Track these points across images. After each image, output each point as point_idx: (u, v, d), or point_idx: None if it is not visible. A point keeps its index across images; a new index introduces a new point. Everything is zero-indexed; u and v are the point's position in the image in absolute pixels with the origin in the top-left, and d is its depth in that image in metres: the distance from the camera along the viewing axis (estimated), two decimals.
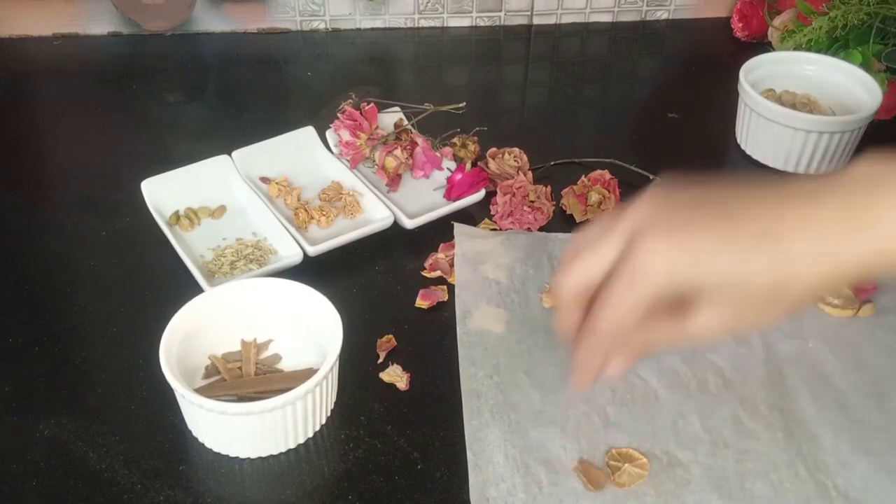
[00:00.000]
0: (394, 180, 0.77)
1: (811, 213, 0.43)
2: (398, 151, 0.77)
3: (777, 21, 0.99)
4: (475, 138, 0.81)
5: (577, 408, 0.59)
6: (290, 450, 0.57)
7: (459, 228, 0.73)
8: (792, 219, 0.43)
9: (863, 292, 0.68)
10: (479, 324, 0.65)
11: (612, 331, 0.46)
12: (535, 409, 0.59)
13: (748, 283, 0.44)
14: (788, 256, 0.43)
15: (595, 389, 0.60)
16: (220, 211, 0.75)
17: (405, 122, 0.82)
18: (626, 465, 0.55)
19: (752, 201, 0.45)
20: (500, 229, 0.75)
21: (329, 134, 0.81)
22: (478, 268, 0.70)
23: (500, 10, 1.07)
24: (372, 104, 0.79)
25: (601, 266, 0.46)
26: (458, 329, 0.64)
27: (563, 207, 0.77)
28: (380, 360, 0.63)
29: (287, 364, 0.62)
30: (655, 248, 0.44)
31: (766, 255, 0.43)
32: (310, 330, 0.60)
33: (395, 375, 0.61)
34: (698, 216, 0.44)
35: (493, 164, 0.80)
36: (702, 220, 0.44)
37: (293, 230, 0.71)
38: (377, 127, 0.79)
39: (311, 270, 0.68)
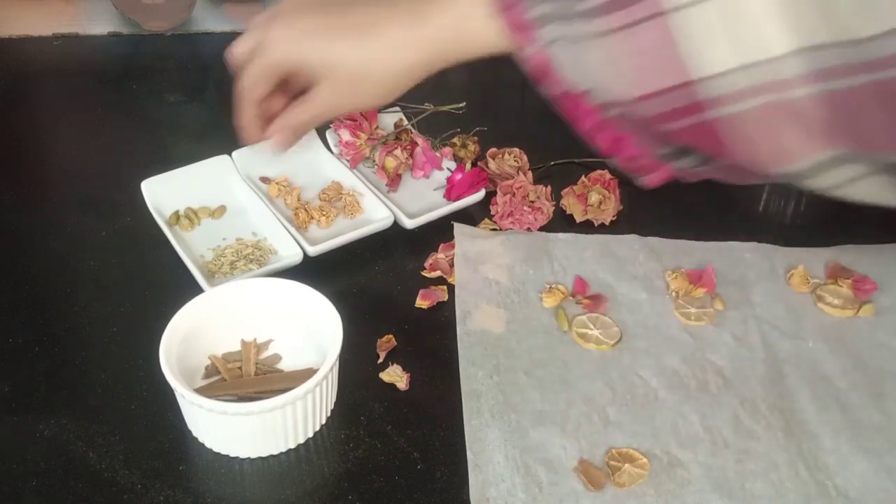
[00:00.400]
0: (394, 180, 0.77)
1: (389, 13, 0.58)
2: (398, 151, 0.77)
3: None
4: (475, 138, 0.81)
5: (577, 408, 0.59)
6: (290, 450, 0.57)
7: (459, 228, 0.73)
8: (372, 19, 0.59)
9: (863, 292, 0.68)
10: (479, 324, 0.65)
11: (248, 91, 0.63)
12: (535, 409, 0.59)
13: (335, 64, 0.59)
14: (367, 46, 0.58)
15: (595, 390, 0.61)
16: (220, 211, 0.75)
17: (405, 122, 0.82)
18: (627, 465, 0.55)
19: (356, 6, 0.60)
20: (500, 229, 0.75)
21: (329, 134, 0.81)
22: (478, 268, 0.70)
23: None
24: None
25: (247, 46, 0.63)
26: (458, 329, 0.64)
27: (563, 207, 0.77)
28: (380, 360, 0.63)
29: (287, 364, 0.62)
30: (276, 32, 0.60)
31: (349, 44, 0.59)
32: (310, 330, 0.60)
33: (395, 375, 0.61)
34: (314, 12, 0.60)
35: (493, 164, 0.80)
36: (315, 15, 0.60)
37: (293, 230, 0.71)
38: (377, 127, 0.79)
39: (311, 270, 0.68)
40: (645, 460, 0.56)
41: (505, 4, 0.56)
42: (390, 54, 0.59)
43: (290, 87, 0.65)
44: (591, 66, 0.53)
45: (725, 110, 0.49)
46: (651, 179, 0.63)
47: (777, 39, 0.45)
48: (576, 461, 0.56)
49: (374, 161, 0.78)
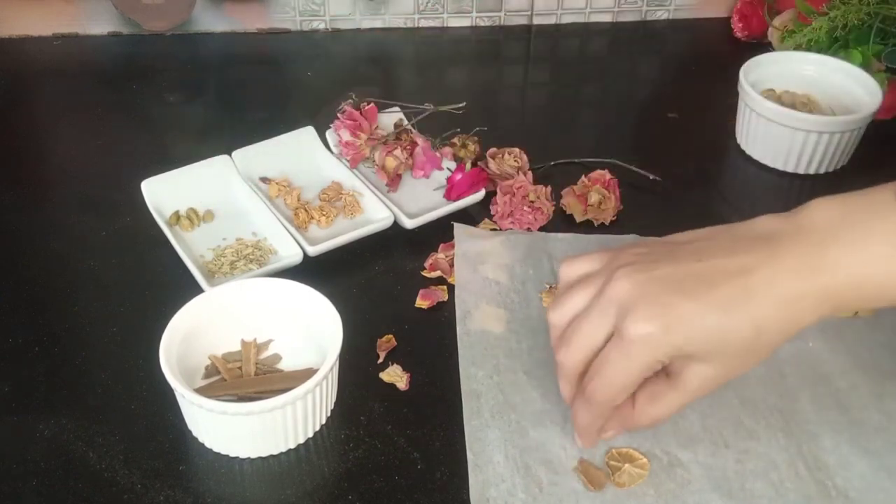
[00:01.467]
0: (394, 180, 0.77)
1: (774, 266, 0.48)
2: (398, 151, 0.77)
3: (777, 21, 0.99)
4: (475, 138, 0.81)
5: None
6: (290, 450, 0.57)
7: (459, 228, 0.73)
8: (758, 274, 0.47)
9: None
10: (479, 324, 0.65)
11: (608, 402, 0.50)
12: (535, 409, 0.59)
13: (730, 340, 0.48)
14: (760, 310, 0.47)
15: None
16: (220, 211, 0.75)
17: (405, 122, 0.82)
18: (627, 465, 0.55)
19: (719, 261, 0.49)
20: (500, 229, 0.75)
21: (329, 134, 0.81)
22: (478, 268, 0.70)
23: (500, 10, 1.07)
24: (372, 104, 0.79)
25: (596, 341, 0.50)
26: (458, 329, 0.64)
27: (563, 207, 0.77)
28: (380, 360, 0.63)
29: (287, 364, 0.62)
30: (640, 326, 0.47)
31: (741, 313, 0.47)
32: (310, 330, 0.60)
33: (395, 375, 0.61)
34: (674, 286, 0.48)
35: (493, 164, 0.79)
36: (679, 291, 0.48)
37: (293, 230, 0.71)
38: (377, 127, 0.79)
39: (311, 270, 0.68)
40: (645, 460, 0.56)
41: None
42: (784, 314, 0.47)
43: None
44: None
45: None
46: None
47: None
48: (576, 461, 0.56)
49: (373, 161, 0.78)
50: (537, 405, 0.59)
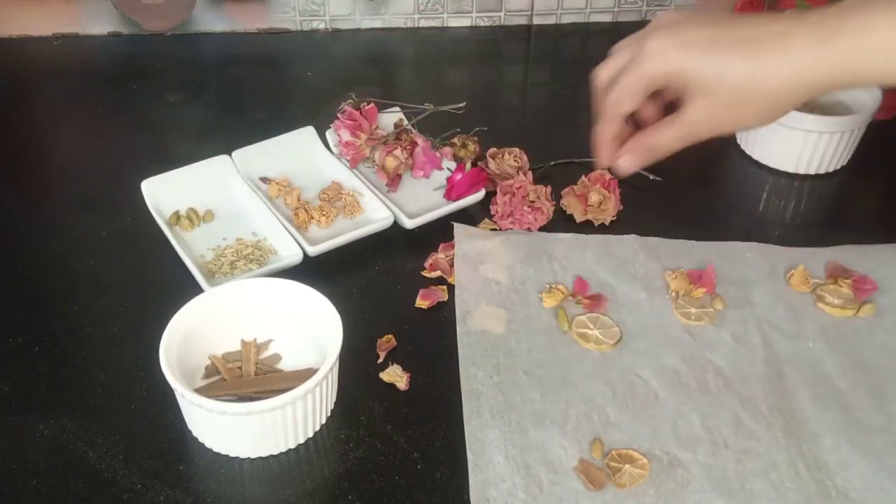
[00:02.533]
0: (394, 180, 0.77)
1: (790, 27, 0.53)
2: (398, 151, 0.77)
3: None
4: (475, 138, 0.81)
5: (578, 407, 0.59)
6: (290, 450, 0.57)
7: (459, 228, 0.73)
8: (772, 31, 0.53)
9: (863, 292, 0.68)
10: (479, 324, 0.65)
11: (615, 105, 0.57)
12: (535, 409, 0.59)
13: (724, 77, 0.53)
14: (761, 59, 0.52)
15: (595, 390, 0.61)
16: (220, 211, 0.75)
17: (405, 122, 0.82)
18: (627, 465, 0.55)
19: (744, 20, 0.56)
20: (500, 229, 0.75)
21: (329, 134, 0.81)
22: (478, 268, 0.70)
23: (500, 10, 1.07)
24: (372, 104, 0.79)
25: (623, 61, 0.57)
26: (458, 329, 0.64)
27: (563, 207, 0.77)
28: (380, 360, 0.63)
29: (287, 364, 0.62)
30: (655, 42, 0.54)
31: (743, 56, 0.52)
32: (310, 330, 0.60)
33: (395, 375, 0.61)
34: (696, 24, 0.55)
35: (493, 164, 0.79)
36: (698, 26, 0.54)
37: (293, 230, 0.71)
38: (377, 127, 0.79)
39: (311, 270, 0.68)
40: (645, 461, 0.56)
41: None
42: (789, 70, 0.52)
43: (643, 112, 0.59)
44: None
45: None
46: None
47: None
48: (576, 461, 0.56)
49: (373, 161, 0.78)
50: (537, 405, 0.59)
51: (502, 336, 0.64)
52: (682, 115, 0.56)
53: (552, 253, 0.72)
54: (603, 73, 0.58)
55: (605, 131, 0.59)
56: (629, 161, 0.59)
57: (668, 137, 0.57)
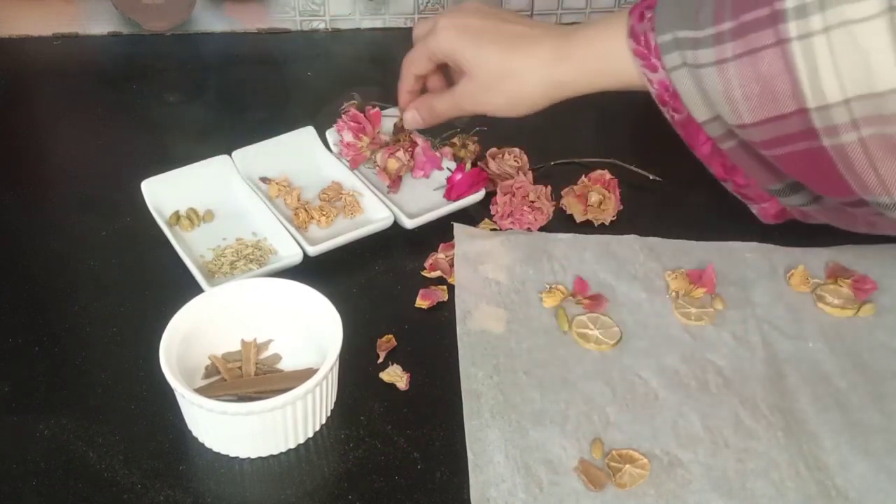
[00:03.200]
0: (395, 182, 0.77)
1: (544, 32, 0.66)
2: (401, 153, 0.77)
3: None
4: (475, 138, 0.81)
5: (578, 407, 0.59)
6: (290, 450, 0.57)
7: (459, 228, 0.73)
8: (530, 33, 0.66)
9: (863, 292, 0.68)
10: (479, 324, 0.65)
11: (408, 64, 0.71)
12: (535, 409, 0.59)
13: (479, 63, 0.66)
14: (512, 54, 0.65)
15: (595, 390, 0.60)
16: (220, 211, 0.75)
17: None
18: (627, 465, 0.55)
19: (520, 20, 0.67)
20: (500, 229, 0.75)
21: (329, 134, 0.81)
22: (478, 268, 0.70)
23: None
24: (377, 108, 0.78)
25: (425, 28, 0.70)
26: (458, 329, 0.64)
27: (563, 207, 0.77)
28: (380, 360, 0.63)
29: (287, 364, 0.62)
30: (443, 21, 0.66)
31: (497, 48, 0.65)
32: (310, 330, 0.60)
33: (395, 375, 0.61)
34: (479, 15, 0.67)
35: (493, 164, 0.79)
36: (478, 17, 0.66)
37: (293, 230, 0.71)
38: (380, 131, 0.79)
39: (311, 270, 0.68)
40: (645, 461, 0.56)
41: (634, 33, 0.61)
42: (530, 66, 0.64)
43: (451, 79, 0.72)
44: (710, 92, 0.57)
45: (836, 139, 0.53)
46: (764, 212, 0.68)
47: (888, 76, 0.49)
48: (576, 461, 0.56)
49: (375, 163, 0.78)
50: (537, 405, 0.59)
51: (502, 336, 0.64)
52: (454, 89, 0.69)
53: (552, 253, 0.72)
54: (416, 30, 0.71)
55: (401, 85, 0.72)
56: (413, 115, 0.73)
57: (443, 104, 0.70)
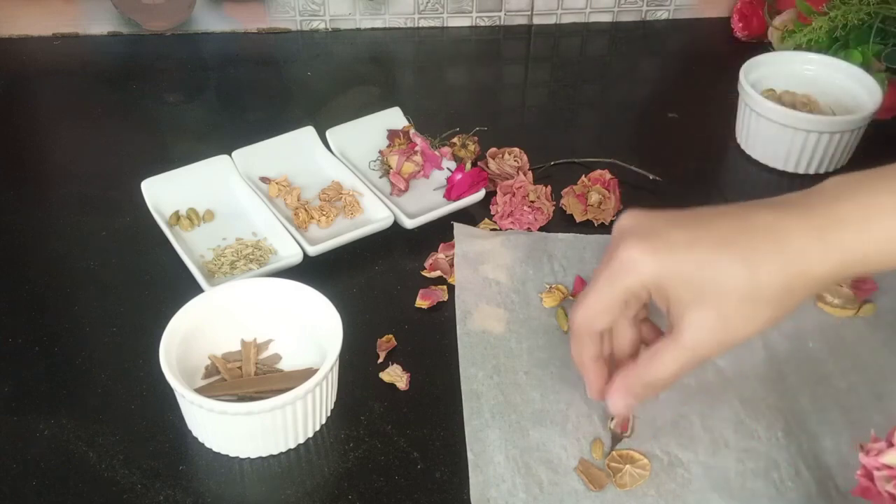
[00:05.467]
0: (406, 184, 0.77)
1: (778, 218, 0.46)
2: (417, 157, 0.77)
3: (777, 21, 0.99)
4: (475, 138, 0.81)
5: (578, 408, 0.59)
6: (290, 450, 0.57)
7: (459, 229, 0.73)
8: (760, 224, 0.46)
9: (863, 292, 0.68)
10: (479, 324, 0.65)
11: (587, 324, 0.50)
12: (535, 409, 0.59)
13: (722, 278, 0.45)
14: (757, 260, 0.45)
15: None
16: (220, 211, 0.75)
17: (412, 127, 0.81)
18: (627, 466, 0.55)
19: (721, 210, 0.48)
20: (500, 229, 0.75)
21: (329, 133, 0.81)
22: (478, 268, 0.70)
23: (500, 10, 1.07)
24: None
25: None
26: (458, 329, 0.64)
27: (563, 207, 0.77)
28: (380, 360, 0.63)
29: (287, 364, 0.62)
30: (629, 250, 0.47)
31: (734, 257, 0.46)
32: (310, 330, 0.60)
33: (395, 375, 0.61)
34: (671, 224, 0.48)
35: (493, 164, 0.80)
36: (674, 226, 0.47)
37: (293, 230, 0.71)
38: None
39: (311, 270, 0.68)
40: (646, 461, 0.56)
41: None
42: (789, 270, 0.45)
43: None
44: None
45: None
46: None
47: None
48: (577, 461, 0.56)
49: (388, 166, 0.78)
50: (537, 405, 0.59)
51: (502, 336, 0.64)
52: (678, 336, 0.47)
53: (552, 253, 0.72)
54: (580, 314, 0.51)
55: (583, 355, 0.51)
56: (621, 401, 0.51)
57: (668, 367, 0.48)
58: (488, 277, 0.69)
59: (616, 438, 0.56)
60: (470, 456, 0.56)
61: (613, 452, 0.56)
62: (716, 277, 0.45)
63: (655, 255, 0.46)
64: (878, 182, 0.46)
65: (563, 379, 0.61)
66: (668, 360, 0.48)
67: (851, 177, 0.47)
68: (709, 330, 0.47)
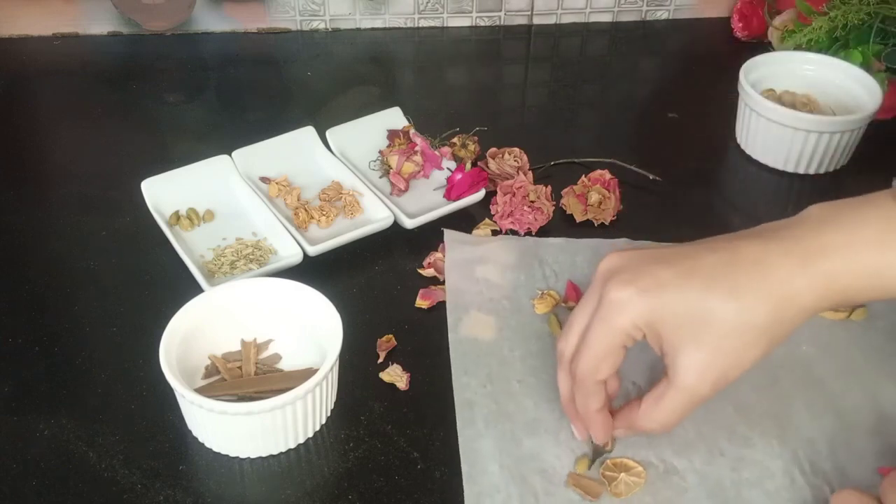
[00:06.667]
0: (406, 185, 0.77)
1: (763, 250, 0.47)
2: (417, 157, 0.77)
3: (777, 21, 0.99)
4: (475, 138, 0.81)
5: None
6: (290, 450, 0.57)
7: (449, 235, 0.73)
8: (746, 256, 0.47)
9: None
10: (470, 332, 0.64)
11: (590, 374, 0.50)
12: (528, 419, 0.58)
13: (713, 314, 0.46)
14: (742, 293, 0.46)
15: None
16: (220, 211, 0.75)
17: (412, 127, 0.81)
18: (622, 474, 0.54)
19: (706, 245, 0.49)
20: (500, 229, 0.75)
21: (329, 133, 0.81)
22: (469, 274, 0.69)
23: (500, 10, 1.07)
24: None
25: (587, 320, 0.50)
26: (450, 337, 0.64)
27: (563, 207, 0.77)
28: (380, 360, 0.63)
29: (287, 364, 0.62)
30: (617, 291, 0.47)
31: (720, 292, 0.46)
32: (310, 330, 0.60)
33: (395, 375, 0.61)
34: (656, 261, 0.48)
35: (493, 164, 0.80)
36: (659, 264, 0.48)
37: (293, 230, 0.71)
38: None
39: (311, 270, 0.68)
40: (641, 469, 0.55)
41: None
42: (780, 296, 0.46)
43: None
44: None
45: None
46: None
47: None
48: (571, 471, 0.55)
49: (388, 166, 0.78)
50: (531, 414, 0.59)
51: (494, 343, 0.64)
52: (673, 380, 0.48)
53: (543, 258, 0.71)
54: (565, 344, 0.51)
55: (590, 406, 0.51)
56: (626, 433, 0.53)
57: (669, 412, 0.49)
58: (479, 284, 0.68)
59: (598, 452, 0.56)
60: (464, 467, 0.55)
61: (608, 461, 0.55)
62: (705, 315, 0.46)
63: (645, 294, 0.47)
64: (862, 210, 0.47)
65: (556, 387, 0.60)
66: (669, 402, 0.49)
67: (834, 205, 0.48)
68: (703, 370, 0.47)
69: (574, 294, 0.68)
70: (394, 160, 0.77)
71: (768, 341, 0.47)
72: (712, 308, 0.46)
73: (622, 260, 0.49)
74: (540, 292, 0.68)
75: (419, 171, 0.77)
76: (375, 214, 0.74)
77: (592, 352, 0.49)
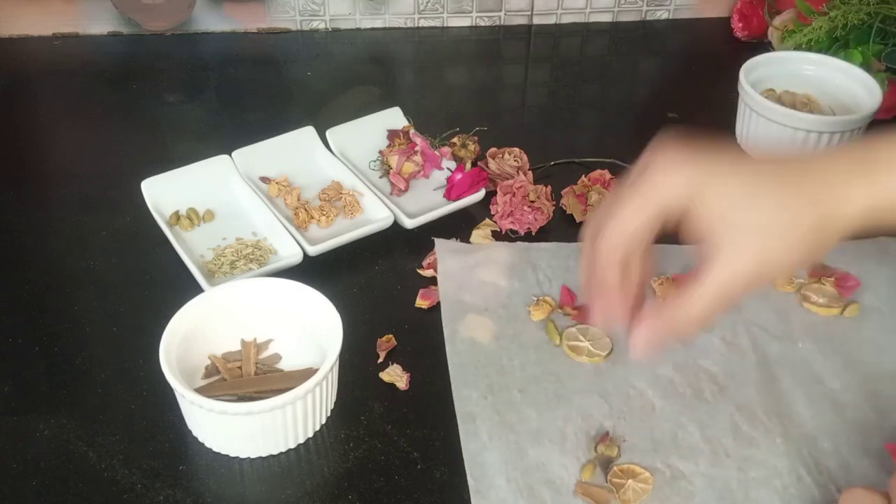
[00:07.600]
0: (406, 184, 0.77)
1: (814, 159, 0.46)
2: (417, 157, 0.77)
3: (777, 21, 0.99)
4: (475, 138, 0.81)
5: (575, 424, 0.58)
6: (290, 450, 0.57)
7: (441, 245, 0.72)
8: (794, 163, 0.46)
9: (846, 290, 0.68)
10: (467, 341, 0.64)
11: (614, 244, 0.47)
12: (532, 428, 0.58)
13: (760, 204, 0.44)
14: (803, 189, 0.44)
15: (591, 404, 0.60)
16: (220, 211, 0.75)
17: (412, 127, 0.81)
18: (630, 481, 0.54)
19: (760, 155, 0.48)
20: (501, 229, 0.75)
21: (329, 133, 0.81)
22: (462, 283, 0.68)
23: (500, 10, 1.07)
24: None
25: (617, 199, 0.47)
26: (447, 349, 0.63)
27: (563, 207, 0.77)
28: (380, 360, 0.63)
29: (287, 364, 0.62)
30: (664, 165, 0.45)
31: (767, 179, 0.45)
32: (310, 330, 0.60)
33: (395, 375, 0.61)
34: (712, 153, 0.46)
35: (493, 164, 0.80)
36: (711, 153, 0.46)
37: (293, 230, 0.71)
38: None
39: (311, 270, 0.68)
40: (648, 475, 0.55)
41: None
42: (823, 203, 0.44)
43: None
44: None
45: None
46: None
47: None
48: (578, 480, 0.55)
49: (388, 166, 0.78)
50: (534, 423, 0.58)
51: (493, 353, 0.63)
52: (710, 269, 0.45)
53: (536, 264, 0.71)
54: (593, 217, 0.48)
55: (608, 278, 0.47)
56: (645, 340, 0.48)
57: (701, 301, 0.46)
58: (473, 293, 0.68)
59: (603, 461, 0.56)
60: (471, 482, 0.54)
61: (615, 468, 0.55)
62: (754, 208, 0.44)
63: (697, 170, 0.45)
64: None
65: (557, 395, 0.60)
66: (699, 295, 0.46)
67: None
68: (744, 256, 0.45)
69: (569, 299, 0.67)
70: (394, 160, 0.77)
71: (808, 249, 0.45)
72: (762, 204, 0.44)
73: (668, 146, 0.47)
74: (535, 299, 0.67)
75: (419, 171, 0.77)
76: (375, 214, 0.74)
77: (627, 218, 0.46)
